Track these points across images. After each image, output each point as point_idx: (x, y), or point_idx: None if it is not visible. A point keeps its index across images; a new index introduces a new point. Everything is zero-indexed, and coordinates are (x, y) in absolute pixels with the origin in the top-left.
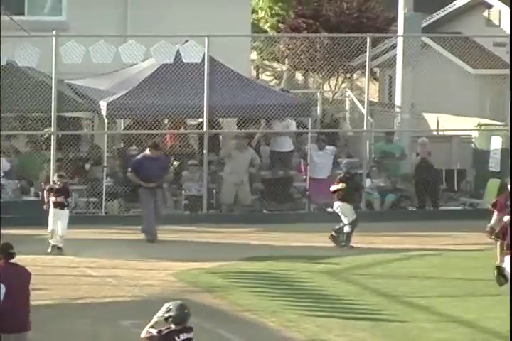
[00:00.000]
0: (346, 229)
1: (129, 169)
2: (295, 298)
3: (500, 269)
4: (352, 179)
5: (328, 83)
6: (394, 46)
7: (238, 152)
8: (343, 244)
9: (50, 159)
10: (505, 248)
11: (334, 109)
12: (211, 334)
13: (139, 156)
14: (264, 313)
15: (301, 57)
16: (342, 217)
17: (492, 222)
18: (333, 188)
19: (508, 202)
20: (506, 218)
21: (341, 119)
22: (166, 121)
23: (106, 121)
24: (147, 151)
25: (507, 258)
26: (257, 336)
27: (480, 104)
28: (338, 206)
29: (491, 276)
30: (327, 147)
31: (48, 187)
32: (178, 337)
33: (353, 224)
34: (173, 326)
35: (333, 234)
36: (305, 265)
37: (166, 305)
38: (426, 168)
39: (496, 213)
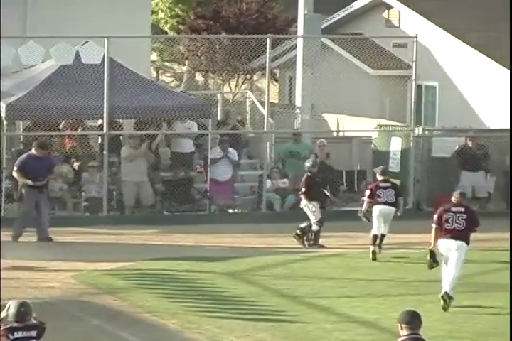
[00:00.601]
0: (314, 227)
1: (15, 168)
2: (196, 300)
3: (432, 253)
4: (314, 178)
5: (229, 84)
6: (294, 47)
7: (133, 152)
8: (311, 242)
9: None
10: (439, 233)
11: (237, 110)
12: (112, 336)
13: (24, 155)
14: (165, 315)
15: (201, 58)
16: (310, 215)
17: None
18: (302, 191)
19: (379, 192)
20: (375, 208)
21: (240, 122)
22: (63, 122)
23: (5, 122)
24: (33, 150)
25: (440, 242)
26: (158, 338)
27: (380, 104)
28: (305, 204)
29: (391, 276)
30: (230, 149)
31: None
32: (12, 335)
33: (320, 222)
34: (14, 323)
35: (298, 232)
36: (206, 266)
37: (8, 303)
38: (325, 170)
39: (366, 200)
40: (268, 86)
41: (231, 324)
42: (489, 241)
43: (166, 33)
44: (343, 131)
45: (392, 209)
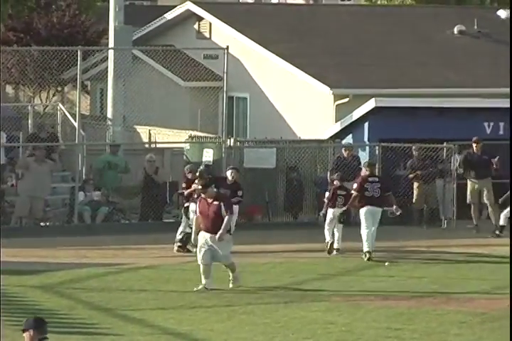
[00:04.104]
0: (189, 229)
1: None
2: (9, 313)
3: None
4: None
5: (40, 96)
6: (105, 59)
7: None
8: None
9: None
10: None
11: (49, 122)
12: None
13: None
14: None
15: (12, 70)
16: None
17: None
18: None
19: None
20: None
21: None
22: None
23: None
24: None
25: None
26: None
27: (192, 116)
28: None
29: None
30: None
31: None
32: None
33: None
34: None
35: (179, 244)
36: (18, 280)
37: None
38: (152, 183)
39: None
40: (79, 98)
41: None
42: (300, 252)
43: None
44: (155, 142)
45: None
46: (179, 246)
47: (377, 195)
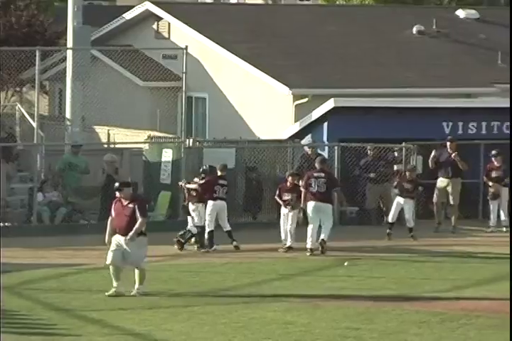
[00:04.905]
0: (194, 229)
1: None
2: None
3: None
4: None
5: None
6: (64, 59)
7: None
8: (198, 245)
9: None
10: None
11: (8, 122)
12: None
13: None
14: None
15: None
16: (196, 218)
17: None
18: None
19: None
20: None
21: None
22: None
23: None
24: None
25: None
26: None
27: (150, 116)
28: (193, 209)
29: (163, 288)
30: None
31: None
32: None
33: (202, 228)
34: None
35: (179, 238)
36: None
37: None
38: (112, 184)
39: None
40: (38, 98)
41: (4, 338)
42: (259, 252)
43: None
44: (114, 143)
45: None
46: (177, 241)
47: (322, 190)
